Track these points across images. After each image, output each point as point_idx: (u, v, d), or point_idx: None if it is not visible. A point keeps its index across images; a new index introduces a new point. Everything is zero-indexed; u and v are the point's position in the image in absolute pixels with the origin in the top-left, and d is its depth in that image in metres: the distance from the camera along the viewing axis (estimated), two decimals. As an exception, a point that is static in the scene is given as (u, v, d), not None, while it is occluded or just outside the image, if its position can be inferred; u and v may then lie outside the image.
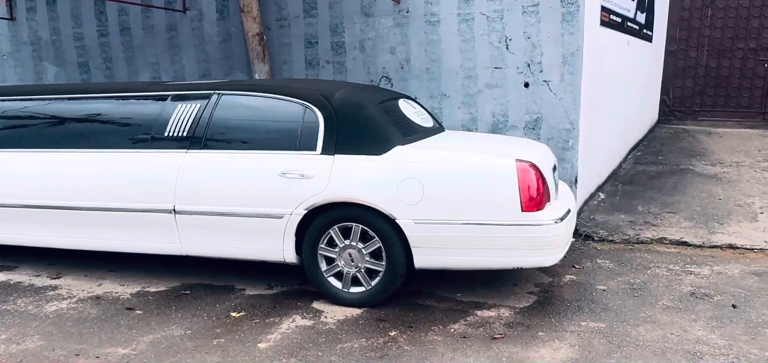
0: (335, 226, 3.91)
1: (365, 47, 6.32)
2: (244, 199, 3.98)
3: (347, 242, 3.93)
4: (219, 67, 6.94)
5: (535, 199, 3.65)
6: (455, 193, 3.67)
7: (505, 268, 3.78)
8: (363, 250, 3.90)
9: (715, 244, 5.13)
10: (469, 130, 6.08)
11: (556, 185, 4.47)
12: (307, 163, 3.90)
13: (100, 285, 4.40)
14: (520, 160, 3.68)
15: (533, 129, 5.88)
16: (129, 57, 7.29)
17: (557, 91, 5.73)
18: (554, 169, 4.29)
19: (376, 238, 3.84)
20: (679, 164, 7.50)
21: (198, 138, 4.16)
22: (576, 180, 5.76)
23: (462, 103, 6.07)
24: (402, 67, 6.23)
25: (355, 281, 3.97)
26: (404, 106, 4.47)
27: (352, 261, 3.94)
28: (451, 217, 3.68)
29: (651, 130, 9.55)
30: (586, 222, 5.70)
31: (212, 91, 4.30)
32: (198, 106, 4.26)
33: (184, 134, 4.19)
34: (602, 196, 6.46)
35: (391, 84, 6.28)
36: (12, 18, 7.83)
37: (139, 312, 3.92)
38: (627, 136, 8.00)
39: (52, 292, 4.23)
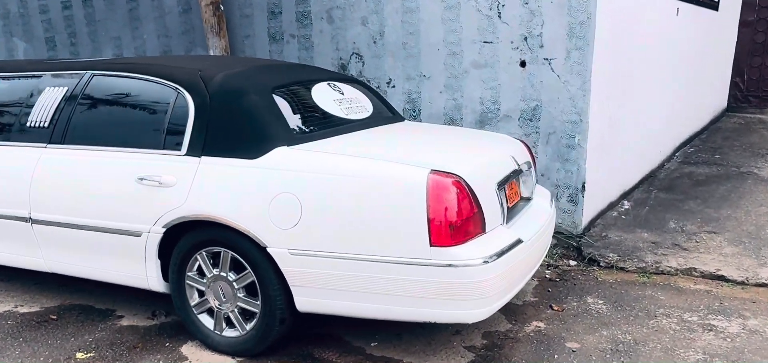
0: (202, 251, 3.02)
1: (333, 17, 5.34)
2: (100, 209, 3.16)
3: (216, 272, 3.03)
4: (179, 43, 6.17)
5: (455, 229, 2.59)
6: (342, 216, 2.68)
7: (411, 321, 2.75)
8: (235, 283, 2.99)
9: (762, 281, 3.83)
10: (452, 120, 4.99)
11: (524, 198, 3.37)
12: (167, 167, 3.02)
13: (-28, 301, 3.74)
14: (438, 173, 2.63)
15: (530, 120, 4.72)
16: (92, 31, 6.65)
17: (561, 72, 4.54)
18: (517, 173, 3.20)
19: (249, 269, 2.92)
20: (740, 166, 6.04)
21: (59, 130, 3.38)
22: (583, 187, 4.57)
23: (445, 87, 4.99)
24: (375, 42, 5.21)
25: (230, 322, 3.08)
26: (321, 91, 3.49)
27: (224, 297, 3.04)
28: (336, 247, 2.69)
29: (715, 120, 8.00)
30: (595, 240, 4.50)
31: (84, 72, 3.50)
32: (65, 90, 3.48)
33: (46, 125, 3.43)
34: (626, 205, 5.20)
35: (363, 63, 5.27)
36: (-16, -10, 7.39)
37: (-24, 344, 3.20)
38: (673, 129, 6.58)
39: None
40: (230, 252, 2.93)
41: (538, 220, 3.24)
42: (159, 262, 3.10)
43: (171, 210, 2.97)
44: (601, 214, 4.99)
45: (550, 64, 4.57)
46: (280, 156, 2.86)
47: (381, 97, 4.12)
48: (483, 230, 2.74)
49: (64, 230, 3.28)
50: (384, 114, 3.86)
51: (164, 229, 3.00)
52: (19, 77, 3.74)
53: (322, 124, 3.23)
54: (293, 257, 2.75)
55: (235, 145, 2.94)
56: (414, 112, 5.10)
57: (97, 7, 6.54)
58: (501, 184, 2.97)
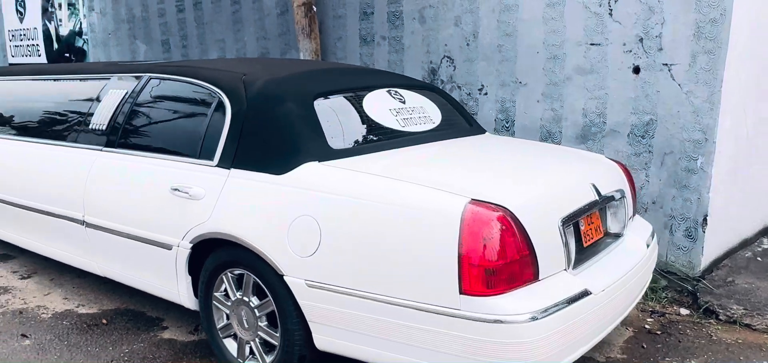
0: (228, 272, 2.77)
1: (426, 18, 4.94)
2: (140, 218, 3.05)
3: (239, 296, 2.77)
4: (276, 45, 6.09)
5: (494, 274, 2.09)
6: (363, 247, 2.28)
7: (441, 381, 2.27)
8: (257, 310, 2.70)
9: None
10: (550, 133, 4.38)
11: (612, 233, 2.77)
12: (198, 178, 2.82)
13: (47, 295, 3.83)
14: (479, 203, 2.15)
15: (642, 137, 3.99)
16: (201, 34, 6.80)
17: (684, 80, 3.78)
18: (599, 205, 2.62)
19: (270, 297, 2.62)
20: None
21: (115, 133, 3.32)
22: (705, 220, 3.77)
23: (542, 95, 4.39)
24: (467, 44, 4.73)
25: (253, 352, 2.79)
26: (377, 99, 3.11)
27: (246, 324, 2.77)
28: (354, 283, 2.30)
29: None
30: (717, 287, 3.69)
31: (143, 75, 3.44)
32: (123, 93, 3.43)
33: (103, 128, 3.40)
34: (766, 244, 4.27)
35: (454, 67, 4.81)
36: (114, -4, 7.88)
37: (27, 342, 3.21)
38: None
39: (4, 296, 3.77)
40: (253, 276, 2.66)
41: (626, 264, 2.62)
42: (189, 278, 2.91)
43: (197, 225, 2.76)
44: (730, 253, 4.12)
45: (669, 70, 3.83)
46: (307, 173, 2.53)
47: (458, 105, 3.66)
48: (535, 277, 2.21)
49: (112, 236, 3.21)
50: (457, 125, 3.41)
51: (191, 245, 2.80)
52: (88, 79, 3.77)
53: (369, 137, 2.86)
54: (310, 289, 2.41)
55: (263, 158, 2.66)
56: (506, 123, 4.56)
57: (206, 9, 6.67)
58: (570, 219, 2.41)
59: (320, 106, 2.83)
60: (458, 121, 3.49)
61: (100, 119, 3.44)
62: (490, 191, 2.26)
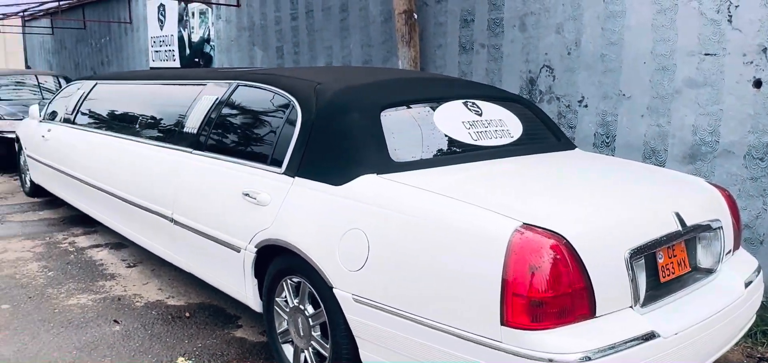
0: (287, 278, 2.80)
1: (526, 25, 4.72)
2: (215, 219, 3.17)
3: (296, 303, 2.78)
4: (378, 53, 6.13)
5: (542, 306, 1.92)
6: (409, 266, 2.19)
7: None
8: (311, 319, 2.70)
9: None
10: (654, 151, 4.01)
11: (702, 268, 2.46)
12: (266, 184, 2.88)
13: (145, 284, 4.12)
14: (532, 229, 1.98)
15: (761, 160, 3.53)
16: (311, 41, 7.01)
17: (815, 96, 3.30)
18: (684, 235, 2.33)
19: (322, 307, 2.60)
20: None
21: (203, 137, 3.50)
22: (836, 258, 3.25)
23: (648, 109, 4.03)
24: (569, 53, 4.46)
25: (307, 361, 2.79)
26: (450, 111, 2.99)
27: (301, 332, 2.77)
28: (399, 303, 2.22)
29: None
30: None
31: (233, 81, 3.59)
32: (214, 98, 3.60)
33: (194, 131, 3.59)
34: None
35: (554, 77, 4.56)
36: (238, 5, 8.34)
37: (117, 328, 3.46)
38: None
39: (109, 282, 4.09)
40: (308, 285, 2.66)
41: (715, 304, 2.31)
42: (256, 281, 2.98)
43: (261, 230, 2.81)
44: None
45: (797, 85, 3.36)
46: (362, 185, 2.48)
47: (547, 119, 3.45)
48: (591, 313, 2.00)
49: (194, 235, 3.36)
50: (541, 140, 3.21)
51: (256, 250, 2.86)
52: (188, 85, 4.00)
53: (435, 151, 2.76)
54: (356, 304, 2.36)
55: (325, 168, 2.66)
56: (607, 138, 4.23)
57: (317, 17, 6.87)
58: (641, 251, 2.16)
59: (387, 117, 2.78)
60: (543, 136, 3.28)
61: (192, 123, 3.62)
62: (547, 215, 2.08)
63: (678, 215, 2.35)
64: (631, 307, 2.11)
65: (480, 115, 3.09)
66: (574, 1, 4.38)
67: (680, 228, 2.33)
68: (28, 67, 17.55)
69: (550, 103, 4.54)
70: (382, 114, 2.77)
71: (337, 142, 2.67)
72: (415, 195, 2.31)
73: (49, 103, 6.07)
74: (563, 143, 3.33)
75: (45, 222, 5.66)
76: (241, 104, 3.40)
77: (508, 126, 3.15)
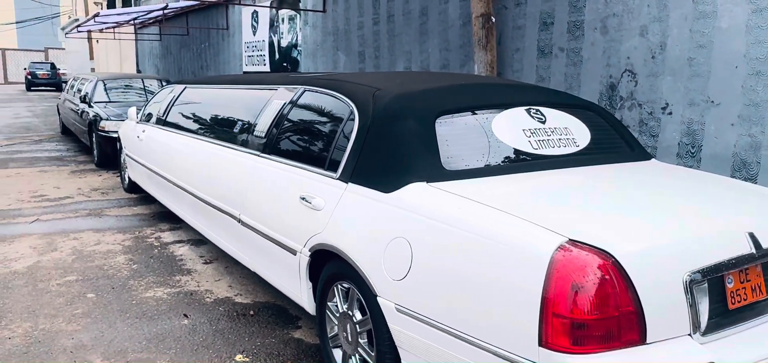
0: (338, 283, 2.80)
1: (608, 28, 4.49)
2: (276, 222, 3.23)
3: (345, 309, 2.77)
4: (456, 56, 6.04)
5: (584, 329, 1.80)
6: (450, 278, 2.12)
7: None
8: (358, 326, 2.67)
9: None
10: (744, 164, 3.68)
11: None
12: (322, 189, 2.90)
13: (218, 281, 4.28)
14: (578, 245, 1.86)
15: None
16: (391, 45, 7.04)
17: None
18: (759, 259, 2.12)
19: (368, 315, 2.58)
20: None
21: (270, 140, 3.58)
22: None
23: (739, 118, 3.70)
24: (653, 57, 4.18)
25: (356, 367, 2.78)
26: (510, 118, 2.89)
27: (349, 339, 2.76)
28: (439, 315, 2.15)
29: None
30: None
31: (300, 87, 3.66)
32: (282, 103, 3.68)
33: (262, 135, 3.69)
34: None
35: (636, 82, 4.30)
36: (324, 10, 8.52)
37: (185, 321, 3.61)
38: None
39: (185, 277, 4.31)
40: (356, 292, 2.65)
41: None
42: (310, 284, 3.00)
43: (315, 235, 2.83)
44: None
45: None
46: (411, 193, 2.44)
47: (620, 127, 3.25)
48: (641, 339, 1.85)
49: (257, 236, 3.45)
50: (611, 149, 3.04)
51: (310, 253, 2.89)
52: (261, 89, 4.11)
53: (492, 160, 2.67)
54: (398, 314, 2.31)
55: (376, 174, 2.64)
56: (692, 149, 3.93)
57: (397, 22, 6.88)
58: (705, 274, 1.98)
59: (443, 124, 2.72)
60: (614, 145, 3.10)
61: (261, 127, 3.72)
62: (596, 231, 1.94)
63: (752, 236, 2.13)
64: (689, 334, 1.93)
65: (543, 122, 2.97)
66: (660, 1, 4.11)
67: (754, 250, 2.11)
68: (139, 71, 18.83)
69: (631, 110, 4.29)
70: (438, 121, 2.71)
71: (389, 149, 2.64)
72: (459, 204, 2.24)
73: (146, 105, 6.47)
74: (637, 153, 3.13)
75: (137, 217, 6.02)
76: (306, 109, 3.45)
77: (574, 134, 3.00)
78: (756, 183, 3.53)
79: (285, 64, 9.66)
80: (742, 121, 3.67)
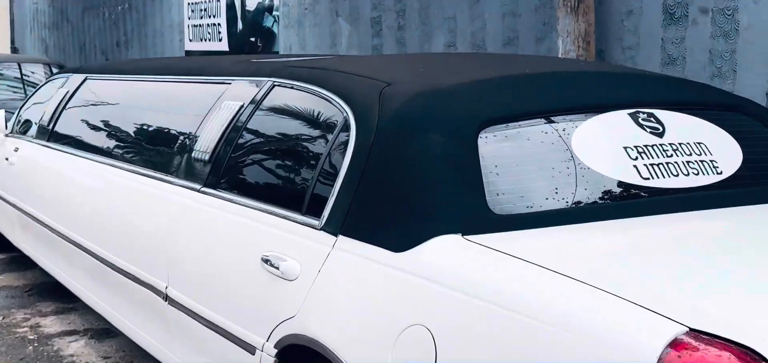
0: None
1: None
2: (224, 300, 3.34)
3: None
4: (529, 26, 6.16)
5: None
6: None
7: None
8: None
9: None
10: None
11: None
12: (296, 245, 2.99)
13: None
14: (702, 339, 1.93)
15: None
16: (423, 8, 7.17)
17: None
18: None
19: None
20: None
21: (218, 167, 3.69)
22: None
23: None
24: None
25: None
26: (604, 128, 2.97)
27: None
28: None
29: None
30: None
31: (265, 79, 3.79)
32: (237, 107, 3.80)
33: (206, 158, 3.81)
34: None
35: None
36: (315, -49, 8.75)
37: None
38: None
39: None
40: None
41: None
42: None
43: (285, 320, 2.89)
44: None
45: None
46: (436, 253, 2.51)
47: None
48: None
49: (194, 323, 3.53)
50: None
51: (276, 351, 2.97)
52: (205, 83, 4.25)
53: (569, 196, 2.74)
54: None
55: (382, 223, 2.72)
56: None
57: (433, -28, 7.07)
58: None
59: (489, 139, 2.80)
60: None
61: (203, 145, 3.83)
62: (732, 317, 2.00)
63: None
64: None
65: (660, 134, 3.05)
66: None
67: None
68: (13, 49, 19.24)
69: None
70: (481, 134, 2.79)
71: (402, 180, 2.72)
72: (514, 272, 2.31)
73: (22, 107, 6.65)
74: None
75: (3, 292, 6.16)
76: (274, 116, 3.56)
77: (714, 154, 3.07)
78: None
79: (253, 39, 9.88)
80: None
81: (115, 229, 4.27)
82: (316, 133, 3.28)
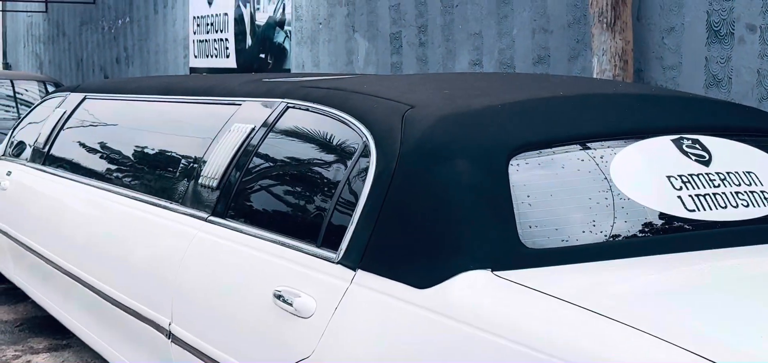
0: None
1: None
2: (231, 336, 3.34)
3: None
4: (562, 42, 6.17)
5: None
6: None
7: None
8: None
9: None
10: None
11: None
12: (310, 281, 2.99)
13: None
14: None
15: None
16: (446, 24, 7.19)
17: None
18: None
19: None
20: None
21: (227, 195, 3.71)
22: None
23: None
24: None
25: None
26: (645, 155, 2.97)
27: None
28: None
29: None
30: None
31: (278, 101, 3.81)
32: (248, 130, 3.82)
33: (214, 185, 3.82)
34: None
35: None
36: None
37: None
38: None
39: None
40: None
41: None
42: None
43: (298, 362, 2.91)
44: None
45: None
46: (464, 290, 2.50)
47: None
48: None
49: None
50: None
51: (287, 399, 2.96)
52: (213, 102, 4.27)
53: (608, 229, 2.74)
54: None
55: (405, 256, 2.72)
56: None
57: (457, -15, 7.10)
58: None
59: (521, 167, 2.80)
60: None
61: (211, 171, 3.84)
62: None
63: None
64: None
65: (706, 162, 3.04)
66: None
67: None
68: (6, 66, 19.38)
69: None
70: (512, 161, 2.79)
71: (426, 212, 2.72)
72: (549, 312, 2.30)
73: (15, 128, 6.69)
74: None
75: (-5, 328, 6.20)
76: (287, 140, 3.57)
77: (765, 184, 3.07)
78: None
79: (263, 56, 9.92)
80: None
81: (114, 260, 4.28)
82: (332, 158, 3.29)
